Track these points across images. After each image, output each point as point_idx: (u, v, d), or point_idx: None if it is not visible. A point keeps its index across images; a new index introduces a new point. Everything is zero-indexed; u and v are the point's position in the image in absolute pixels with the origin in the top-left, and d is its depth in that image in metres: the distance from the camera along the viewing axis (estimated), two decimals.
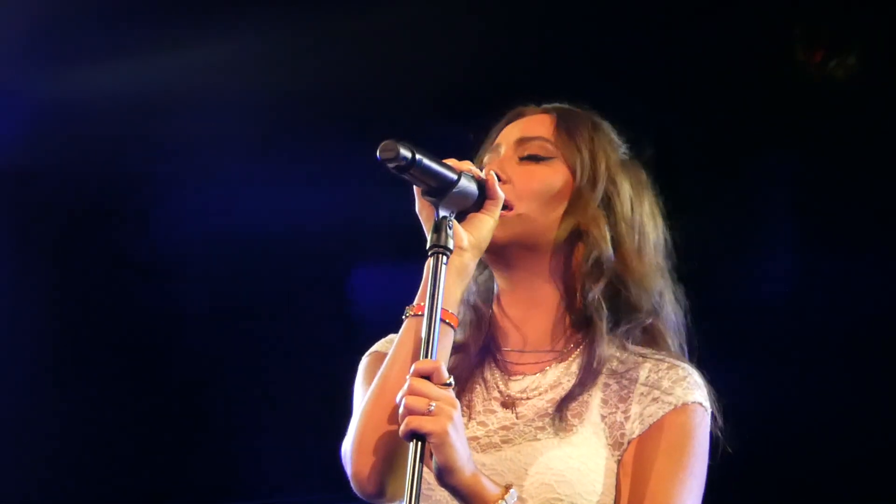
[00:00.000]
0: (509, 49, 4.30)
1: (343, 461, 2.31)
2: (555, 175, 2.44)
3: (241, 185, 4.60)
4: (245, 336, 4.71)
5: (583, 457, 2.31)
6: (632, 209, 2.48)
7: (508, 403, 2.39)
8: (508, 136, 2.50)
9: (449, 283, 2.26)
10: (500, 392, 2.40)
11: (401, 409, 2.12)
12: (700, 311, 4.21)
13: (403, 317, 2.31)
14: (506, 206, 2.37)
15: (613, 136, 2.54)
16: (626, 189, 2.48)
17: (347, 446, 2.28)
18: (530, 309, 2.44)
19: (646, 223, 2.49)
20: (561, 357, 2.43)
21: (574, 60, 4.24)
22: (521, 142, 2.47)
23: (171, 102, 4.49)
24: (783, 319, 4.23)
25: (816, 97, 4.17)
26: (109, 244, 4.75)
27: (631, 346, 2.42)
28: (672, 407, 2.34)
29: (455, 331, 2.30)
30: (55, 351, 4.85)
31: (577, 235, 2.43)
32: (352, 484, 2.27)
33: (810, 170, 4.18)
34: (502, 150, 2.48)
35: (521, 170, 2.43)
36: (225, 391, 4.73)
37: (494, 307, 2.47)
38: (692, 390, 2.37)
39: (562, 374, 2.40)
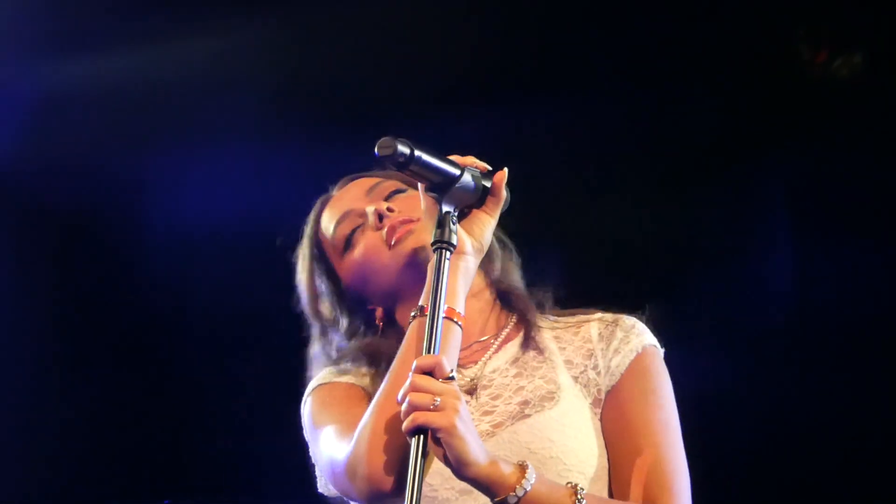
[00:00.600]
0: (510, 42, 4.30)
1: (339, 472, 2.31)
2: (417, 199, 2.52)
3: (243, 180, 4.59)
4: (246, 334, 4.70)
5: (575, 423, 2.37)
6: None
7: (472, 389, 2.42)
8: (348, 198, 2.63)
9: (455, 283, 2.30)
10: (460, 385, 2.38)
11: (404, 407, 2.12)
12: (702, 306, 4.24)
13: (412, 317, 2.33)
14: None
15: None
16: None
17: (359, 450, 2.27)
18: (468, 308, 2.44)
19: None
20: (499, 336, 2.51)
21: (574, 55, 4.24)
22: (370, 190, 2.61)
23: (167, 96, 4.49)
24: (783, 316, 4.23)
25: (817, 95, 4.17)
26: (108, 241, 4.75)
27: (554, 317, 2.55)
28: (635, 353, 2.44)
29: (461, 328, 2.32)
30: (54, 349, 4.85)
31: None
32: (362, 487, 2.26)
33: (811, 167, 4.18)
34: (351, 207, 2.61)
35: (396, 199, 2.58)
36: (226, 389, 4.73)
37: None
38: (643, 334, 2.48)
39: (511, 347, 2.48)
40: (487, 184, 2.34)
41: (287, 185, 4.52)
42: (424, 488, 2.23)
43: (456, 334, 2.29)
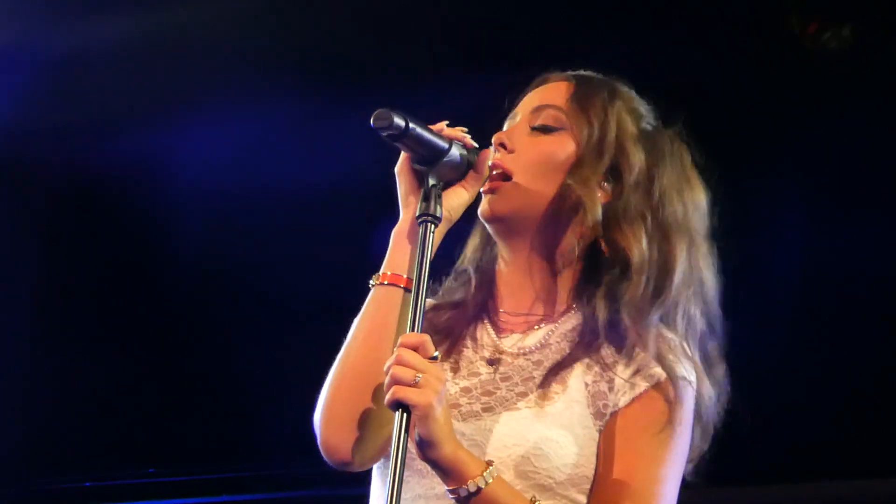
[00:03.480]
0: (507, 9, 4.30)
1: (314, 430, 2.31)
2: (560, 146, 2.40)
3: (244, 147, 4.59)
4: (253, 298, 4.72)
5: (562, 428, 2.28)
6: (648, 179, 2.40)
7: (495, 360, 2.38)
8: (527, 103, 2.47)
9: (411, 250, 2.28)
10: (488, 349, 2.39)
11: (387, 379, 2.12)
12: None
13: (370, 285, 2.32)
14: (506, 177, 2.38)
15: (636, 104, 2.48)
16: (638, 159, 2.40)
17: (316, 415, 2.29)
18: (528, 276, 2.42)
19: (666, 193, 2.40)
20: (551, 319, 2.41)
21: (571, 31, 4.25)
22: (536, 111, 2.44)
23: (169, 58, 4.48)
24: (794, 292, 4.24)
25: (821, 70, 4.17)
26: (107, 208, 4.76)
27: (618, 314, 2.36)
28: (657, 380, 2.29)
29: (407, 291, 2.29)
30: (47, 320, 4.87)
31: (574, 207, 2.38)
32: (322, 452, 2.28)
33: (812, 138, 4.19)
34: (518, 118, 2.46)
35: (527, 140, 2.41)
36: (224, 355, 4.75)
37: (497, 272, 2.46)
38: (678, 363, 2.30)
39: (550, 335, 2.38)
40: (472, 159, 2.34)
41: (292, 145, 4.54)
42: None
43: (406, 303, 2.25)
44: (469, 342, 2.42)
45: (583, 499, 2.27)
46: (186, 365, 4.78)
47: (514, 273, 2.43)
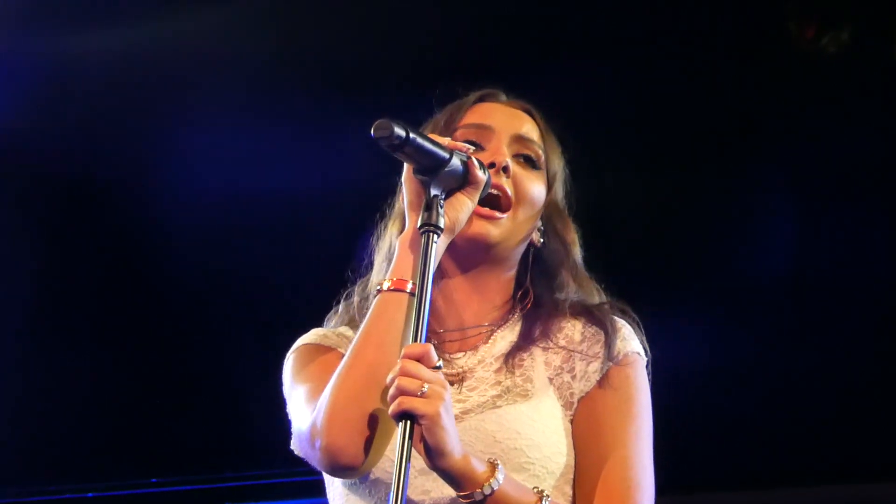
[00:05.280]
0: (506, 16, 4.30)
1: (303, 439, 2.32)
2: (542, 185, 2.52)
3: (240, 151, 4.59)
4: (246, 305, 4.71)
5: (544, 419, 2.35)
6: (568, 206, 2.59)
7: (457, 380, 2.41)
8: (500, 122, 2.52)
9: (416, 257, 2.30)
10: (443, 373, 2.37)
11: (391, 390, 2.13)
12: (706, 285, 4.26)
13: (376, 290, 2.34)
14: (504, 207, 2.44)
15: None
16: (568, 191, 2.59)
17: (317, 420, 2.28)
18: (474, 293, 2.48)
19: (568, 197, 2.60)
20: (500, 326, 2.48)
21: (570, 33, 4.25)
22: (519, 139, 2.51)
23: (167, 68, 4.48)
24: (786, 292, 4.25)
25: (814, 70, 4.18)
26: (103, 211, 4.75)
27: (560, 307, 2.50)
28: (615, 360, 2.40)
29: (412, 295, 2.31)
30: (46, 324, 4.86)
31: (543, 237, 2.53)
32: (320, 457, 2.27)
33: (810, 141, 4.19)
34: (498, 134, 2.50)
35: (522, 172, 2.49)
36: (225, 363, 4.74)
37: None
38: (628, 341, 2.43)
39: (501, 340, 2.46)
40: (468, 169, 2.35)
41: (284, 158, 4.54)
42: (384, 464, 2.28)
43: (412, 308, 2.27)
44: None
45: (569, 489, 2.35)
46: (187, 370, 4.77)
47: (458, 291, 2.48)
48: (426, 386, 2.12)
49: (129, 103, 4.54)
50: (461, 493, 2.20)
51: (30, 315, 4.83)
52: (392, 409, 2.13)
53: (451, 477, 2.19)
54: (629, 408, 2.37)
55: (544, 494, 2.26)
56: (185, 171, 4.60)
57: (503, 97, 2.59)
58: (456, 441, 2.17)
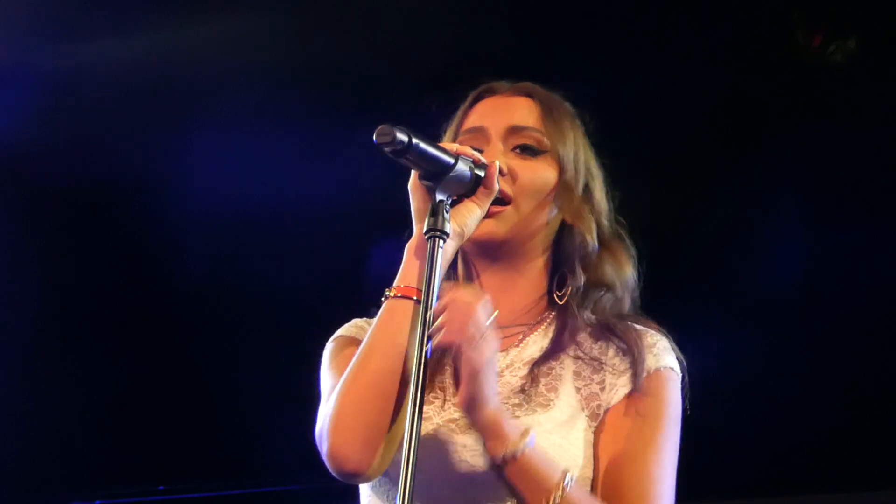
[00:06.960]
0: (513, 25, 4.31)
1: (316, 440, 2.29)
2: (548, 171, 2.45)
3: (247, 161, 4.60)
4: (253, 315, 4.71)
5: (563, 431, 2.31)
6: (605, 196, 2.52)
7: None
8: (493, 119, 2.49)
9: (423, 264, 2.26)
10: None
11: (445, 319, 2.14)
12: (711, 290, 4.25)
13: (383, 297, 2.30)
14: (504, 202, 2.40)
15: (579, 117, 2.56)
16: (600, 177, 2.52)
17: (324, 425, 2.26)
18: (506, 292, 2.44)
19: (608, 205, 2.53)
20: (532, 329, 2.45)
21: (576, 40, 4.25)
22: (514, 130, 2.47)
23: (172, 79, 4.49)
24: (795, 298, 4.24)
25: (823, 76, 4.18)
26: (111, 222, 4.76)
27: (595, 318, 2.44)
28: (646, 374, 2.36)
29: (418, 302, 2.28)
30: (53, 331, 4.87)
31: (563, 228, 2.47)
32: (328, 463, 2.25)
33: (819, 150, 4.19)
34: (490, 134, 2.47)
35: (519, 163, 2.43)
36: (232, 372, 4.75)
37: None
38: (662, 356, 2.38)
39: (532, 344, 2.42)
40: (480, 173, 2.33)
41: (292, 165, 4.54)
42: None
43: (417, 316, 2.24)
44: (449, 367, 2.31)
45: None
46: (196, 378, 4.78)
47: (490, 291, 2.40)
48: (481, 333, 2.13)
49: (138, 113, 4.55)
50: (488, 452, 2.18)
51: (38, 324, 4.84)
52: (441, 339, 2.14)
53: (485, 429, 2.17)
54: (655, 423, 2.33)
55: (569, 474, 2.22)
56: (195, 181, 4.60)
57: (503, 87, 2.54)
58: (494, 393, 2.16)
